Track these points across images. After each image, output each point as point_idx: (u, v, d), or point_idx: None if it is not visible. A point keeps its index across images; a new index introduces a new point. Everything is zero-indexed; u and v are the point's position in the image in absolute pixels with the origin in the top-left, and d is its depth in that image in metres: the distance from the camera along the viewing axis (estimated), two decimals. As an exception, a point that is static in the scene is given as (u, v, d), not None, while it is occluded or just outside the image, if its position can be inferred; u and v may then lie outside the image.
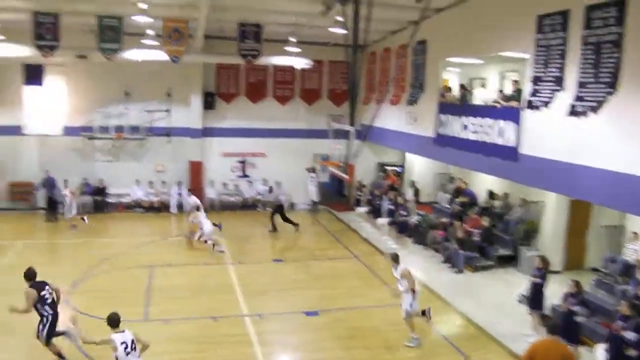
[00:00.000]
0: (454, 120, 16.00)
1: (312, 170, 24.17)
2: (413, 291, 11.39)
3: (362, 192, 23.88)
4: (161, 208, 23.34)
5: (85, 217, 20.53)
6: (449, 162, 18.70)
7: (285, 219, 20.86)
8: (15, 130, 22.08)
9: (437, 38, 17.37)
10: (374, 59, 22.72)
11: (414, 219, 19.47)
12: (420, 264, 16.91)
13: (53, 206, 21.45)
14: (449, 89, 17.70)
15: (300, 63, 22.41)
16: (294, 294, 14.59)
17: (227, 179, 24.59)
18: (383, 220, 20.07)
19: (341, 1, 15.60)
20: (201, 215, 18.22)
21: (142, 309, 12.98)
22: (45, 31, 18.24)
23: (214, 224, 18.23)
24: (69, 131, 22.53)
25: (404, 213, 19.11)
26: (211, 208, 23.55)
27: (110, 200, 23.28)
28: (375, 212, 21.24)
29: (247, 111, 24.46)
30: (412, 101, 19.09)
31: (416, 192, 22.10)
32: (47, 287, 10.03)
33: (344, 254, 18.44)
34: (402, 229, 18.88)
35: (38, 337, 9.87)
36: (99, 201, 22.88)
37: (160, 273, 15.75)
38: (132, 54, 20.01)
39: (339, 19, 16.69)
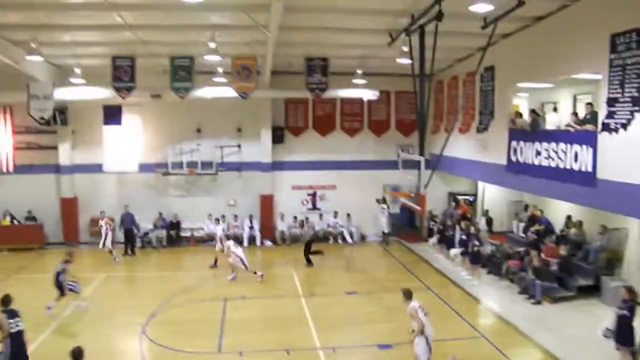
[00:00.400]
0: (526, 146, 15.59)
1: (383, 201, 24.04)
2: (425, 336, 10.69)
3: (433, 222, 23.50)
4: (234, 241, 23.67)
5: (115, 255, 21.17)
6: (523, 190, 18.18)
7: (307, 252, 20.63)
8: (96, 168, 23.27)
9: (506, 64, 17.09)
10: (442, 87, 22.57)
11: (487, 249, 18.97)
12: (495, 295, 16.47)
13: (131, 240, 22.24)
14: (519, 115, 17.28)
15: (368, 94, 22.49)
16: (367, 327, 14.40)
17: (297, 212, 24.73)
18: (456, 251, 19.62)
19: (407, 32, 15.62)
20: (231, 244, 18.61)
21: (215, 341, 13.12)
22: (122, 74, 19.40)
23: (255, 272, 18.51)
24: (145, 168, 23.46)
25: (477, 243, 18.62)
26: (282, 241, 23.80)
27: (184, 234, 23.94)
28: (448, 243, 20.80)
29: (316, 144, 24.72)
30: (482, 128, 18.78)
31: (489, 221, 21.54)
32: (16, 318, 10.22)
33: (416, 285, 18.04)
34: (475, 259, 18.38)
35: None
36: (173, 235, 23.55)
37: (233, 305, 15.92)
38: (203, 92, 20.72)
39: (405, 49, 16.69)
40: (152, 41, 17.67)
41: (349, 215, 24.59)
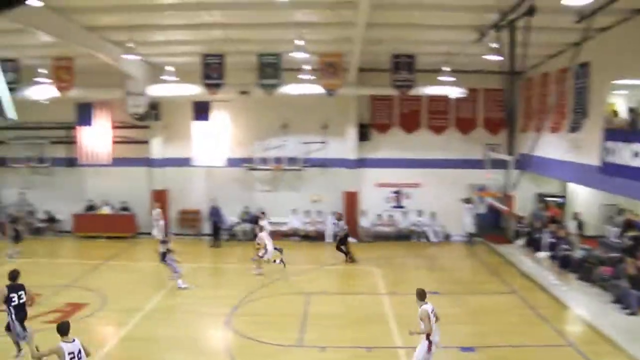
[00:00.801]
0: (622, 147, 14.78)
1: (468, 201, 23.56)
2: (429, 340, 10.36)
3: (520, 224, 22.77)
4: (317, 237, 23.94)
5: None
6: (617, 193, 17.26)
7: (340, 249, 20.77)
8: (185, 162, 24.19)
9: (602, 59, 16.28)
10: (531, 85, 21.80)
11: (577, 254, 18.19)
12: (585, 302, 15.73)
13: (217, 233, 22.91)
14: (615, 114, 16.43)
15: (454, 92, 22.12)
16: (449, 328, 14.02)
17: (381, 209, 24.65)
18: (543, 254, 18.93)
19: (495, 27, 15.21)
20: (265, 236, 18.79)
21: (297, 334, 13.31)
22: (212, 71, 20.04)
23: (275, 248, 18.88)
24: (232, 162, 24.14)
25: (567, 247, 17.90)
26: (365, 238, 23.80)
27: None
28: (535, 245, 20.11)
29: (401, 142, 24.53)
30: (574, 128, 17.99)
31: (580, 225, 20.59)
32: (20, 292, 10.85)
33: (501, 288, 17.64)
34: (564, 264, 17.67)
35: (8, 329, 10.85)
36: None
37: (316, 300, 16.08)
38: (290, 89, 21.05)
39: (494, 45, 16.27)
40: (241, 39, 18.15)
41: (433, 214, 24.27)
